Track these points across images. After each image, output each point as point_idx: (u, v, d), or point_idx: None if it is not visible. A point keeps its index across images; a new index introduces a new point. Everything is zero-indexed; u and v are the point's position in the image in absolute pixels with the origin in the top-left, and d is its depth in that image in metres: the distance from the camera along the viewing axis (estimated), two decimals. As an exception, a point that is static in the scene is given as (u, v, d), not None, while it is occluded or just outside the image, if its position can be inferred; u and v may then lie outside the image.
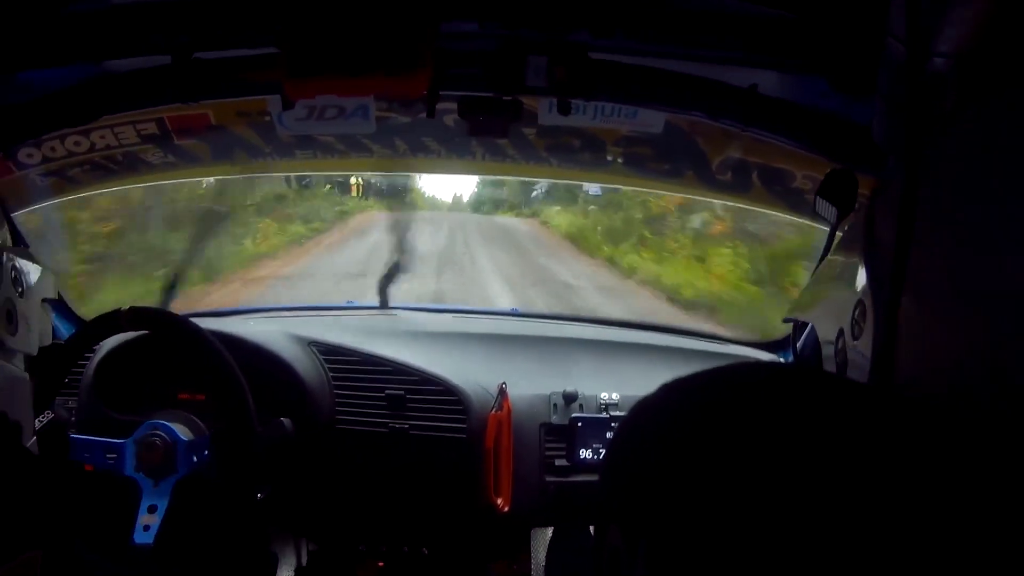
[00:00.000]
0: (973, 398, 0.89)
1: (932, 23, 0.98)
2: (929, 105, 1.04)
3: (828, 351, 1.45)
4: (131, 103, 1.80)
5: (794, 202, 2.10)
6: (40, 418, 1.80)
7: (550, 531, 2.32)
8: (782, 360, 2.48)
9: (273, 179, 10.39)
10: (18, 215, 2.15)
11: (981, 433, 0.65)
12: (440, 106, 1.57)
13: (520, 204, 16.17)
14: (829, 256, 1.62)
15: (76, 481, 1.87)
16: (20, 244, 2.17)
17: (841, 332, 1.38)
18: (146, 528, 1.78)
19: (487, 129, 1.67)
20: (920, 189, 1.05)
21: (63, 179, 2.19)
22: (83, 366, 2.10)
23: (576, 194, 12.41)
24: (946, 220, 1.02)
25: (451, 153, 2.26)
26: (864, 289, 1.28)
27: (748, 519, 0.57)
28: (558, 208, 14.81)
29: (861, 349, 1.28)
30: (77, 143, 2.07)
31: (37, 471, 1.79)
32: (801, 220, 2.23)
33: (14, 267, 1.91)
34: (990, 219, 0.90)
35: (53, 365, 1.89)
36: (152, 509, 1.79)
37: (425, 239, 11.73)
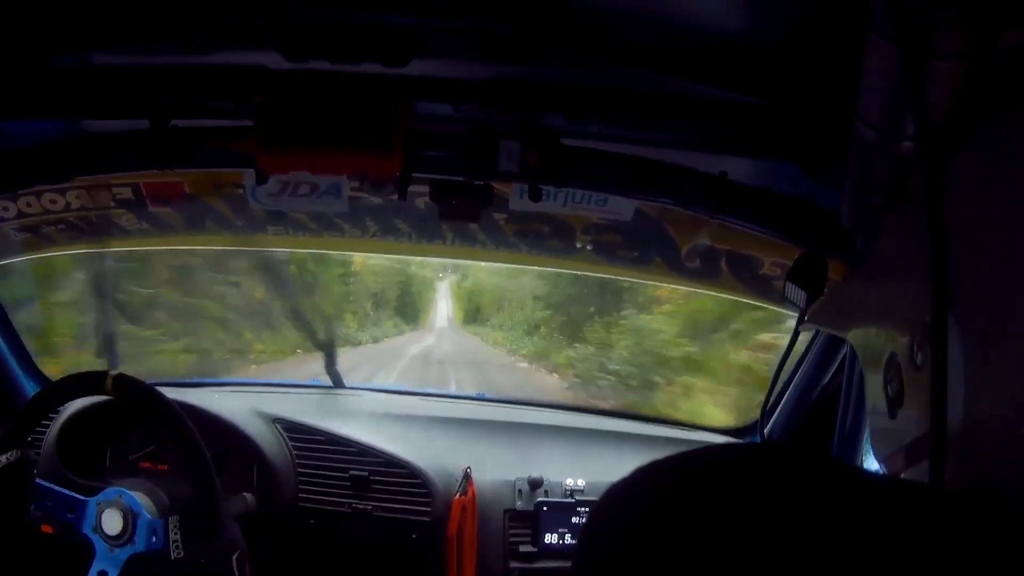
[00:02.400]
0: None
1: (901, 106, 1.00)
2: (900, 188, 1.06)
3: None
4: (107, 165, 1.79)
5: (762, 288, 2.11)
6: (8, 455, 1.75)
7: None
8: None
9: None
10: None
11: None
12: (412, 188, 1.58)
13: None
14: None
15: (31, 538, 1.83)
16: None
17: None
18: None
19: (458, 213, 1.68)
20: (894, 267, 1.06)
21: (37, 236, 2.18)
22: (46, 426, 2.06)
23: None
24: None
25: (421, 236, 2.26)
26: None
27: None
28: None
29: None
30: (53, 201, 2.06)
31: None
32: (768, 307, 2.25)
33: None
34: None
35: (28, 408, 1.86)
36: (102, 574, 1.74)
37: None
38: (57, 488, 1.80)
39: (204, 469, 1.82)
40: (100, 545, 1.77)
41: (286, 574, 2.16)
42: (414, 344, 12.25)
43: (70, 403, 2.06)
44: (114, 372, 1.85)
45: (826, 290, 1.54)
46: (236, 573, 1.83)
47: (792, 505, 0.61)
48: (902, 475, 1.06)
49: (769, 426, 2.25)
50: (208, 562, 1.80)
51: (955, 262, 0.89)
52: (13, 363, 2.34)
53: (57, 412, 2.08)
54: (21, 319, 2.40)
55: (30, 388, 2.34)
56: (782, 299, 1.67)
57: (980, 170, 0.89)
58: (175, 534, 1.79)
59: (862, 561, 0.56)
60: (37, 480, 1.80)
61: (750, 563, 0.57)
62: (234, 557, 1.83)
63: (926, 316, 0.91)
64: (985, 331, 0.86)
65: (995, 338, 0.85)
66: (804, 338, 1.92)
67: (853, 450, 1.82)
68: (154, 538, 1.78)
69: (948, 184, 0.90)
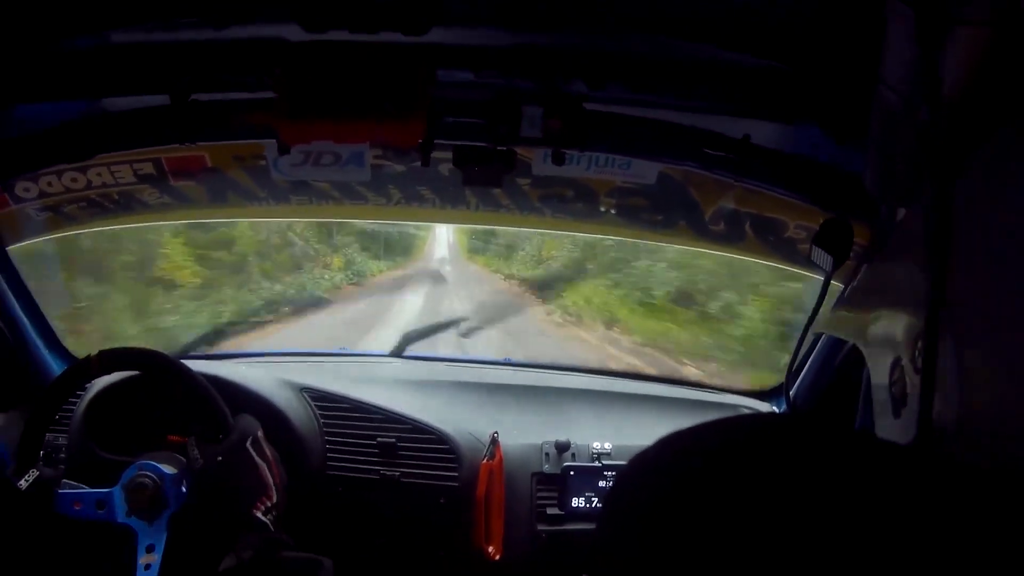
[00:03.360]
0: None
1: (923, 71, 0.99)
2: (922, 153, 1.05)
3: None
4: (128, 142, 1.80)
5: (787, 252, 2.10)
6: (26, 477, 1.77)
7: None
8: (775, 409, 2.48)
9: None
10: (13, 249, 2.16)
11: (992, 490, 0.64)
12: (435, 155, 1.58)
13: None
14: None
15: (68, 537, 1.84)
16: (13, 278, 2.17)
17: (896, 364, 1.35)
18: (147, 567, 1.74)
19: (481, 179, 1.68)
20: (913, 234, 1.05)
21: (59, 215, 2.19)
22: (74, 403, 2.08)
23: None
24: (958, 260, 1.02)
25: (445, 202, 2.26)
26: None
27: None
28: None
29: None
30: (74, 179, 2.06)
31: (26, 533, 1.77)
32: (793, 269, 2.24)
33: None
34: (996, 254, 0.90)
35: (32, 422, 1.86)
36: (151, 548, 1.75)
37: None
38: (79, 492, 1.81)
39: (212, 399, 1.86)
40: (139, 524, 1.78)
41: (316, 542, 2.19)
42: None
43: (95, 382, 2.07)
44: (95, 354, 1.87)
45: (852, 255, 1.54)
46: (256, 458, 1.86)
47: (811, 478, 0.61)
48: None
49: (795, 389, 2.25)
50: (225, 460, 1.82)
51: (965, 248, 0.88)
52: (40, 343, 2.36)
53: (84, 390, 2.10)
54: (44, 298, 2.41)
55: (57, 367, 2.36)
56: (808, 262, 1.67)
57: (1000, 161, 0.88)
58: (193, 451, 1.82)
59: (880, 534, 0.56)
60: (59, 491, 1.81)
61: (768, 535, 0.58)
62: (248, 443, 1.86)
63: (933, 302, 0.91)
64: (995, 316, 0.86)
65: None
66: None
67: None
68: (183, 489, 1.80)
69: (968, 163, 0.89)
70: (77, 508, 1.78)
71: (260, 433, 1.90)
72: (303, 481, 2.08)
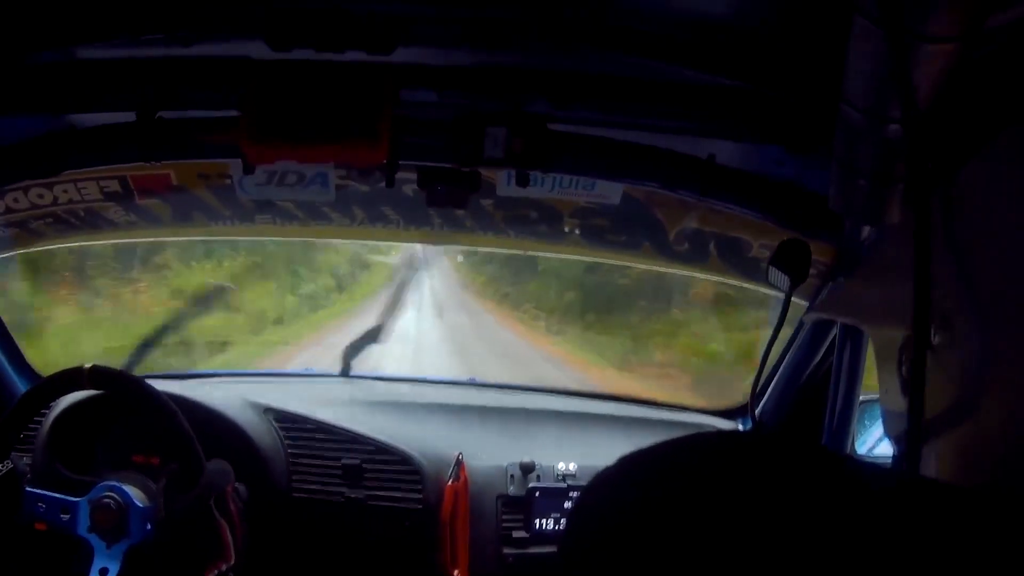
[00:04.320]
0: None
1: (887, 89, 1.00)
2: (886, 171, 1.07)
3: None
4: (94, 159, 1.79)
5: (751, 271, 2.12)
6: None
7: None
8: (740, 428, 2.49)
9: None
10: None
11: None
12: (399, 176, 1.57)
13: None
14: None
15: (27, 540, 1.83)
16: None
17: None
18: None
19: (446, 200, 1.68)
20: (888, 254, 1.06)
21: (25, 231, 2.17)
22: (39, 422, 2.05)
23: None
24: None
25: (409, 223, 2.26)
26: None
27: None
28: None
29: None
30: (40, 195, 2.05)
31: None
32: (757, 289, 2.25)
33: None
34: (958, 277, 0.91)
35: (12, 417, 1.86)
36: (103, 573, 1.75)
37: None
38: (47, 493, 1.80)
39: (187, 441, 1.84)
40: (97, 543, 1.77)
41: (280, 564, 2.17)
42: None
43: (60, 400, 2.05)
44: (88, 365, 1.85)
45: (814, 271, 1.55)
46: (219, 519, 1.85)
47: (772, 496, 0.61)
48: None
49: (759, 407, 2.26)
50: (189, 516, 1.82)
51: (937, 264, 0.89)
52: (4, 360, 2.33)
53: (48, 408, 2.07)
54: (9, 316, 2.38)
55: (21, 385, 2.33)
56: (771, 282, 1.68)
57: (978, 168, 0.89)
58: (160, 495, 1.81)
59: (842, 553, 0.56)
60: (28, 488, 1.79)
61: (729, 552, 0.58)
62: (213, 502, 1.85)
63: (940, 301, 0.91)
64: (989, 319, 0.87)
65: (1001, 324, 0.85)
66: (792, 318, 1.92)
67: (844, 432, 1.82)
68: (148, 526, 1.78)
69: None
70: (41, 508, 1.79)
71: (231, 486, 1.90)
72: (267, 503, 2.06)
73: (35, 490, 1.80)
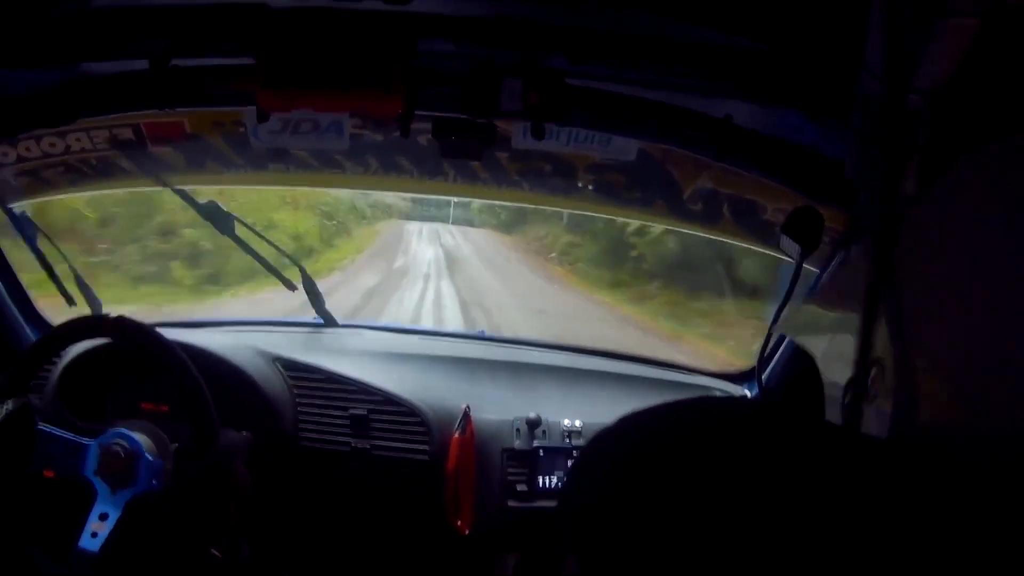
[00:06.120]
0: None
1: (908, 59, 0.99)
2: (903, 141, 1.06)
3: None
4: (107, 107, 1.78)
5: (764, 235, 2.11)
6: (10, 403, 1.77)
7: (514, 558, 2.31)
8: (747, 392, 2.50)
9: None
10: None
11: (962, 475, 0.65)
12: (414, 126, 1.57)
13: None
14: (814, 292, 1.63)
15: (33, 482, 1.85)
16: None
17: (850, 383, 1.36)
18: (94, 535, 1.74)
19: (460, 151, 1.67)
20: (894, 225, 1.06)
21: (37, 180, 2.18)
22: (48, 370, 2.08)
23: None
24: (924, 257, 1.03)
25: (423, 173, 2.26)
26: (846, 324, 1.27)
27: (703, 554, 0.57)
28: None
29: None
30: (52, 144, 2.05)
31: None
32: (769, 253, 2.25)
33: None
34: (971, 256, 0.91)
35: (31, 354, 1.88)
36: (103, 517, 1.76)
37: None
38: (59, 432, 1.81)
39: (203, 406, 1.84)
40: (101, 487, 1.78)
41: (287, 512, 2.19)
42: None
43: (71, 347, 2.06)
44: (114, 314, 1.86)
45: (827, 240, 1.54)
46: (226, 487, 1.87)
47: (765, 461, 0.62)
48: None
49: (767, 373, 2.26)
50: (192, 479, 1.83)
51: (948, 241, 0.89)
52: (14, 309, 2.34)
53: (59, 356, 2.08)
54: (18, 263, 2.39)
55: (32, 334, 2.35)
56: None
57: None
58: (169, 463, 1.82)
59: (816, 512, 0.57)
60: (39, 426, 1.81)
61: (720, 514, 0.59)
62: (225, 465, 1.87)
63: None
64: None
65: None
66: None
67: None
68: (155, 480, 1.80)
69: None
70: (51, 448, 1.80)
71: (242, 453, 1.92)
72: (275, 451, 2.08)
73: (47, 427, 1.81)
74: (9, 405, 1.77)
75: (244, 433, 1.98)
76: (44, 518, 1.89)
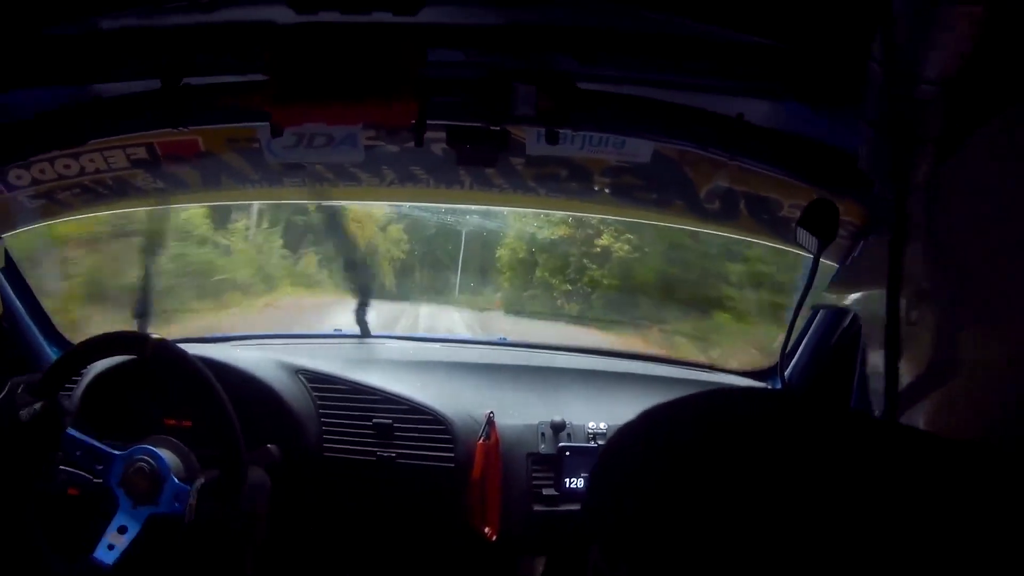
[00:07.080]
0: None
1: (916, 48, 0.99)
2: (915, 131, 1.05)
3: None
4: (120, 127, 1.80)
5: (782, 231, 2.10)
6: (40, 404, 1.80)
7: (541, 562, 2.31)
8: (767, 387, 2.49)
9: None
10: (6, 236, 2.15)
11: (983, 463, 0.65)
12: (428, 135, 1.57)
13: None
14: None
15: (55, 477, 1.85)
16: (9, 266, 2.16)
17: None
18: (110, 547, 1.75)
19: (475, 158, 1.68)
20: (909, 214, 1.05)
21: (53, 202, 2.19)
22: (75, 382, 2.08)
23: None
24: (940, 244, 1.02)
25: (439, 182, 2.26)
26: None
27: (724, 546, 0.57)
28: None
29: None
30: (67, 166, 2.07)
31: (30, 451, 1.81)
32: (787, 249, 2.24)
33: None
34: (986, 242, 0.90)
35: (65, 360, 1.89)
36: (122, 530, 1.76)
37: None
38: (88, 440, 1.82)
39: (234, 446, 1.83)
40: (124, 500, 1.78)
41: (313, 524, 2.19)
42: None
43: (92, 366, 2.06)
44: (156, 337, 1.86)
45: (843, 233, 1.53)
46: (245, 537, 1.88)
47: (789, 452, 0.62)
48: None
49: (789, 369, 2.25)
50: (214, 521, 1.82)
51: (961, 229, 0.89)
52: (35, 329, 2.36)
53: (81, 374, 2.09)
54: (39, 284, 2.41)
55: (53, 353, 2.36)
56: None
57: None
58: (193, 499, 1.81)
59: (854, 507, 0.57)
60: (68, 431, 1.81)
61: (747, 507, 0.58)
62: (245, 522, 1.87)
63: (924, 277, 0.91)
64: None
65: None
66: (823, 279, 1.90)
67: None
68: (177, 503, 1.80)
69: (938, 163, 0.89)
70: (78, 454, 1.81)
71: (264, 495, 1.92)
72: (300, 463, 2.09)
73: (75, 433, 1.82)
74: (38, 406, 1.79)
75: (272, 447, 1.98)
76: (60, 521, 1.90)
